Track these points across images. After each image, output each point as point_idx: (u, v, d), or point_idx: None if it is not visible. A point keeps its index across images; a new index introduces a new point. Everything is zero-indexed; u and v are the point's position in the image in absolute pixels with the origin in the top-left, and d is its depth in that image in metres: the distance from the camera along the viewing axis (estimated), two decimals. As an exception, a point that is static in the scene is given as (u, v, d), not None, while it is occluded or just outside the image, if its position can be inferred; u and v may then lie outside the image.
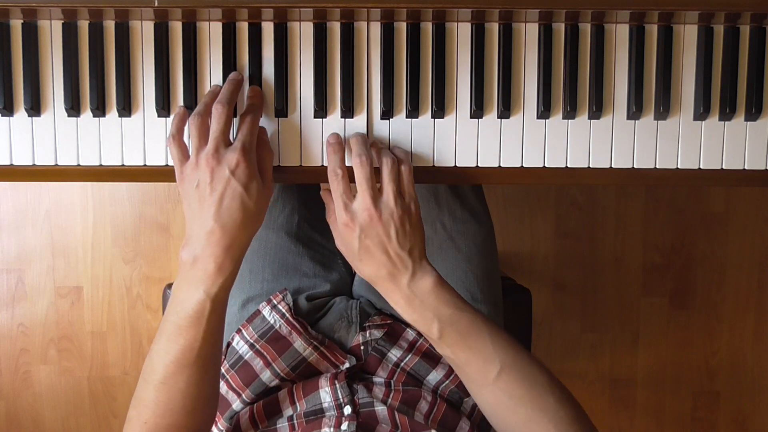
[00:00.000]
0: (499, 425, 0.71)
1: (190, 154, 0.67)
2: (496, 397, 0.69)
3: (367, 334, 0.89)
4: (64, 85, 0.72)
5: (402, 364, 0.87)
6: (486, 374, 0.68)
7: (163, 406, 0.68)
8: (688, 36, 0.75)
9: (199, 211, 0.66)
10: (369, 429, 0.73)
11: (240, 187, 0.66)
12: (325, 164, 0.74)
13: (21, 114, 0.73)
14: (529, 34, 0.74)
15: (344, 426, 0.72)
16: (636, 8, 0.70)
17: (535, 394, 0.68)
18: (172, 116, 0.74)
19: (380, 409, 0.77)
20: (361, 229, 0.68)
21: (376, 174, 0.69)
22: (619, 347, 1.79)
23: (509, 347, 0.70)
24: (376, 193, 0.68)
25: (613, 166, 0.75)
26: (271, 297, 0.91)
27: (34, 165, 0.74)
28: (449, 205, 0.96)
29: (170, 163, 0.74)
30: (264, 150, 0.71)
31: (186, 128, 0.70)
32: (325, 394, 0.80)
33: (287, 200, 0.98)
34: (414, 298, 0.68)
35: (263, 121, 0.73)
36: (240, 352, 0.88)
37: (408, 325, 0.91)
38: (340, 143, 0.72)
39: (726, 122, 0.76)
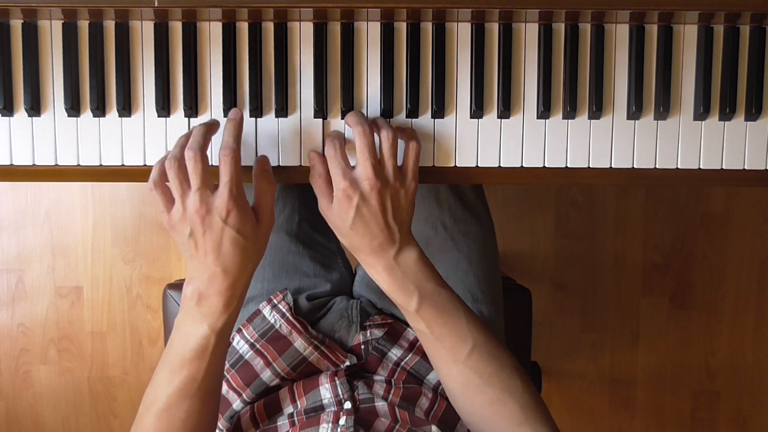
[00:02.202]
0: (467, 407, 0.72)
1: (175, 199, 0.66)
2: (465, 375, 0.70)
3: (368, 334, 0.89)
4: (64, 85, 0.72)
5: (402, 363, 0.87)
6: (458, 351, 0.70)
7: None
8: (688, 36, 0.75)
9: (197, 258, 0.66)
10: (367, 423, 0.73)
11: (235, 233, 0.65)
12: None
13: (21, 114, 0.73)
14: (529, 34, 0.74)
15: (342, 421, 0.72)
16: (636, 8, 0.70)
17: (503, 376, 0.70)
18: (172, 116, 0.74)
19: (380, 405, 0.77)
20: (360, 197, 0.67)
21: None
22: (619, 347, 1.79)
23: (481, 329, 0.71)
24: (377, 164, 0.68)
25: (613, 166, 0.75)
26: (272, 297, 0.91)
27: (34, 165, 0.74)
28: (450, 205, 0.96)
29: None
30: (264, 181, 0.69)
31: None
32: (325, 391, 0.80)
33: (287, 200, 0.98)
34: (397, 269, 0.70)
35: (265, 123, 0.73)
36: (240, 351, 0.88)
37: (408, 325, 0.91)
38: (338, 135, 0.72)
39: (726, 122, 0.76)
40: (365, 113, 0.74)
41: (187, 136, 0.68)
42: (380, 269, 0.70)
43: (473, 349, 0.70)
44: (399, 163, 0.70)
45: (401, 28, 0.73)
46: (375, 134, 0.70)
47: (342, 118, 0.74)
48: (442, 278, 0.72)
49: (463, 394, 0.72)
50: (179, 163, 0.65)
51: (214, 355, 0.68)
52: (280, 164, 0.74)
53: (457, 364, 0.70)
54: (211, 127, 0.69)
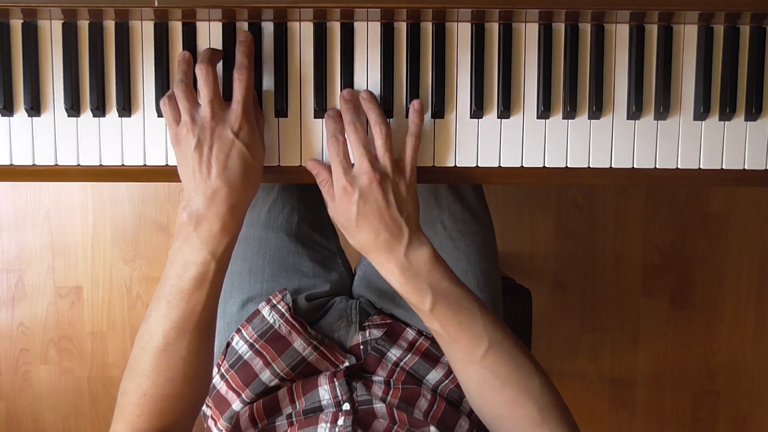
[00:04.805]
0: (483, 406, 0.71)
1: (182, 115, 0.67)
2: (481, 375, 0.69)
3: (367, 334, 0.89)
4: (64, 85, 0.72)
5: (401, 363, 0.87)
6: (473, 351, 0.68)
7: (164, 375, 0.67)
8: (688, 36, 0.75)
9: (200, 172, 0.66)
10: (366, 424, 0.73)
11: (245, 149, 0.66)
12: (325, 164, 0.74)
13: (21, 114, 0.73)
14: (529, 34, 0.74)
15: (340, 421, 0.72)
16: (636, 8, 0.70)
17: (521, 376, 0.69)
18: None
19: (379, 407, 0.77)
20: (360, 193, 0.67)
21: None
22: (619, 347, 1.79)
23: (498, 328, 0.70)
24: (374, 158, 0.68)
25: (613, 166, 0.75)
26: (271, 297, 0.91)
27: (34, 165, 0.74)
28: (449, 205, 0.96)
29: (170, 163, 0.74)
30: (257, 113, 0.71)
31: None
32: (324, 392, 0.80)
33: (287, 200, 0.98)
34: (409, 268, 0.68)
35: (265, 123, 0.73)
36: (239, 351, 0.88)
37: (408, 325, 0.91)
38: (338, 114, 0.72)
39: (726, 122, 0.76)
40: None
41: (185, 61, 0.70)
42: (392, 267, 0.68)
43: (489, 349, 0.68)
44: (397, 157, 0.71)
45: (401, 28, 0.73)
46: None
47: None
48: (457, 277, 0.71)
49: (479, 394, 0.71)
50: (186, 84, 0.67)
51: (214, 285, 0.67)
52: (281, 164, 0.74)
53: (473, 365, 0.69)
54: (217, 52, 0.71)
